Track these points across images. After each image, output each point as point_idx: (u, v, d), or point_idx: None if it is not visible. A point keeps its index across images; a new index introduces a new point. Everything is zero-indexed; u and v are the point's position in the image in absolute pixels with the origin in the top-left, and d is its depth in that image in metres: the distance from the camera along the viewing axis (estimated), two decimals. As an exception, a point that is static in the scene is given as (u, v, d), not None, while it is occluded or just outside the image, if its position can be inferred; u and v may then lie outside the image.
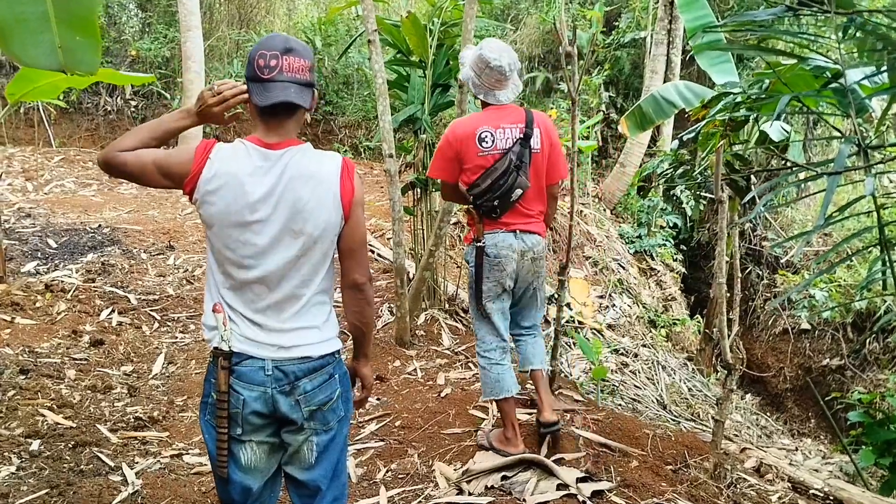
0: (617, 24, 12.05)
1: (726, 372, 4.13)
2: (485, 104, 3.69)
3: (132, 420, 4.34)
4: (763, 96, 4.21)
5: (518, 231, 3.68)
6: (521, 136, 3.57)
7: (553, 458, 3.86)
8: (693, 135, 5.17)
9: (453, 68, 5.36)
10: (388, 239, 7.84)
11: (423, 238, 5.63)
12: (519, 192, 3.57)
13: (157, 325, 5.83)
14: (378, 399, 4.61)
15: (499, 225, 3.66)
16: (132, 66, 15.36)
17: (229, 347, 2.22)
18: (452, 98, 5.59)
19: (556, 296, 4.63)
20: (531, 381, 4.10)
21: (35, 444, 3.92)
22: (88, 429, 4.18)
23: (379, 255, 7.33)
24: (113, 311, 5.95)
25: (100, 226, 8.61)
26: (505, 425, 3.87)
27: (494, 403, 3.99)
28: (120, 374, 4.92)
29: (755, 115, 4.60)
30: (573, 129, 4.49)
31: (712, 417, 4.34)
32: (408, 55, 5.54)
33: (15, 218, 8.88)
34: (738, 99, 4.38)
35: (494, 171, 3.52)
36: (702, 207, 11.05)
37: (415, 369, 4.99)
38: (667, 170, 6.45)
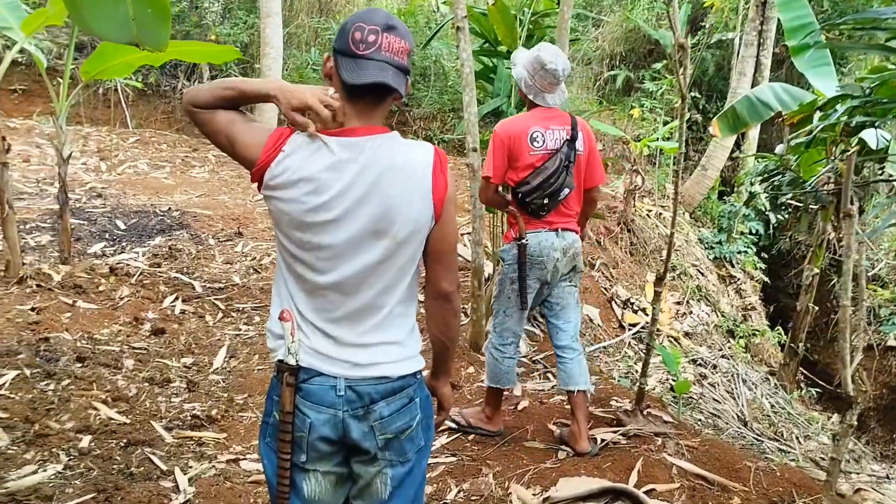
0: (703, 24, 11.40)
1: (846, 405, 3.60)
2: (532, 105, 3.69)
3: (189, 418, 4.01)
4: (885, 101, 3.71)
5: (560, 230, 3.70)
6: (568, 137, 3.60)
7: (644, 488, 3.42)
8: (808, 140, 4.64)
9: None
10: (463, 235, 7.42)
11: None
12: (567, 191, 3.62)
13: (220, 315, 5.52)
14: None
15: (542, 224, 3.67)
16: (210, 51, 15.28)
17: (297, 361, 1.91)
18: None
19: (651, 307, 4.16)
20: (568, 402, 3.95)
21: (85, 441, 3.62)
22: (142, 425, 3.87)
23: (452, 251, 6.93)
24: (177, 298, 5.66)
25: (169, 209, 8.40)
26: (489, 405, 3.96)
27: (488, 387, 3.97)
28: (179, 367, 4.61)
29: (875, 120, 4.06)
30: (681, 129, 3.99)
31: (829, 456, 3.82)
32: (495, 45, 5.12)
33: (86, 198, 8.74)
34: (856, 103, 3.88)
35: (545, 169, 3.55)
36: (786, 215, 10.38)
37: (490, 379, 4.54)
38: (771, 175, 5.88)
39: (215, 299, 5.77)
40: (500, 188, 3.73)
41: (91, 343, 4.74)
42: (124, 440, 3.67)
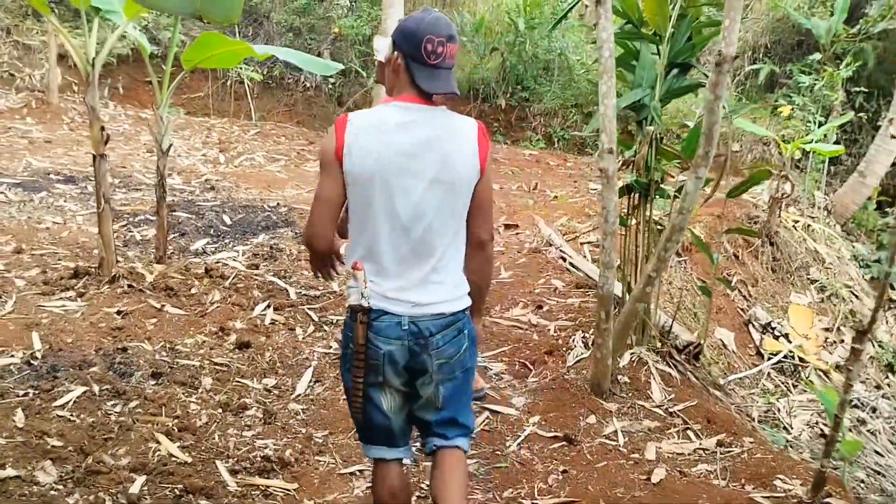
0: (865, 11, 10.01)
1: None
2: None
3: (258, 459, 3.39)
4: None
5: None
6: None
7: None
8: None
9: (697, 44, 4.03)
10: (582, 244, 6.59)
11: (637, 257, 4.37)
12: None
13: (312, 328, 4.92)
14: (564, 471, 3.40)
15: None
16: (333, 42, 14.96)
17: (368, 304, 2.25)
18: (692, 81, 4.25)
19: (846, 370, 3.21)
20: None
21: (137, 484, 3.06)
22: (205, 466, 3.28)
23: (571, 263, 6.11)
24: (269, 305, 5.12)
25: (278, 204, 7.95)
26: None
27: None
28: (259, 389, 4.03)
29: None
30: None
31: None
32: (639, 26, 4.29)
33: (199, 190, 8.42)
34: None
35: None
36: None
37: (615, 432, 3.66)
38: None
39: (309, 308, 5.20)
40: None
41: (171, 355, 4.24)
42: (180, 485, 3.09)
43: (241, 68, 13.78)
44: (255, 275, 5.71)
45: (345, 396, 2.51)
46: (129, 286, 5.10)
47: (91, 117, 5.22)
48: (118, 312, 4.71)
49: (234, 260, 6.09)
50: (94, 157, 5.24)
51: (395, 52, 2.26)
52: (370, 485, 2.68)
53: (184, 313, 4.86)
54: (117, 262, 5.31)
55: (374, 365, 2.28)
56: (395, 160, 2.19)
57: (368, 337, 2.25)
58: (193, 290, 5.17)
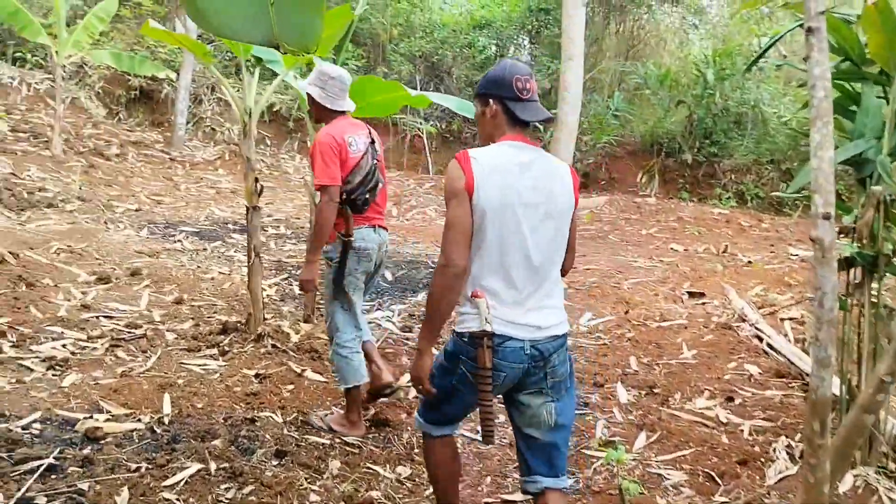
0: None
1: None
2: (333, 114, 3.87)
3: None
4: None
5: (377, 226, 3.90)
6: (370, 140, 3.88)
7: None
8: None
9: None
10: (782, 320, 5.54)
11: (861, 349, 3.37)
12: (380, 185, 3.88)
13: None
14: None
15: (363, 220, 3.83)
16: (514, 97, 14.63)
17: (492, 329, 2.32)
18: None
19: None
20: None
21: None
22: (311, 580, 2.74)
23: (769, 345, 5.09)
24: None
25: (443, 260, 7.49)
26: (351, 410, 3.87)
27: (346, 391, 3.86)
28: (391, 480, 3.44)
29: None
30: None
31: None
32: (860, 64, 3.42)
33: (366, 243, 8.15)
34: None
35: (362, 168, 3.76)
36: None
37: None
38: None
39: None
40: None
41: (300, 431, 3.77)
42: None
43: (418, 122, 13.72)
44: (407, 339, 5.22)
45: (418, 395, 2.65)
46: (273, 346, 4.76)
47: (245, 168, 5.01)
48: (256, 375, 4.34)
49: (388, 320, 5.64)
50: (248, 208, 5.00)
51: (490, 102, 2.47)
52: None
53: (323, 380, 4.42)
54: (265, 319, 5.00)
55: (495, 387, 2.40)
56: (519, 197, 2.36)
57: (494, 362, 2.34)
58: (338, 353, 4.74)
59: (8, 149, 9.78)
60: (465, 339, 2.38)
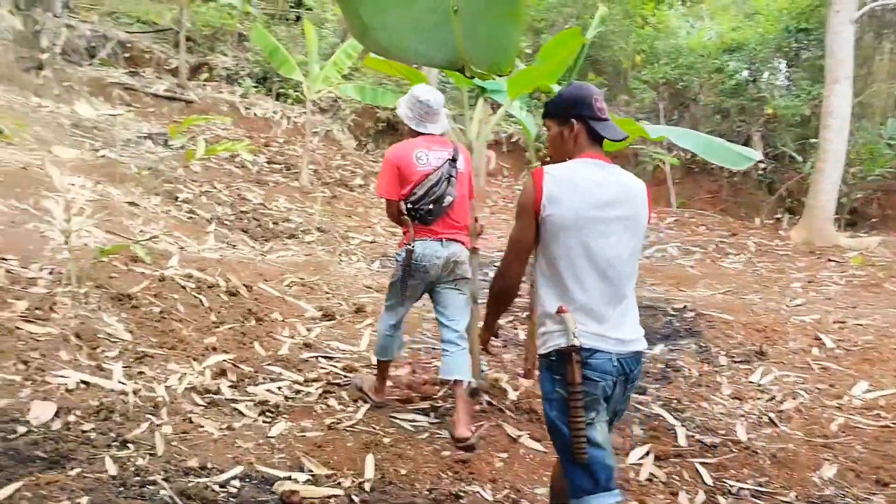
0: None
1: None
2: (416, 133, 4.02)
3: None
4: None
5: (444, 239, 3.97)
6: (450, 157, 3.96)
7: None
8: None
9: None
10: None
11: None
12: (450, 199, 3.92)
13: (701, 496, 3.53)
14: None
15: (428, 232, 3.94)
16: (765, 125, 13.27)
17: (580, 344, 2.31)
18: None
19: None
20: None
21: None
22: None
23: None
24: (648, 452, 3.87)
25: (684, 307, 6.64)
26: (381, 379, 4.28)
27: (379, 361, 4.25)
28: None
29: None
30: None
31: None
32: None
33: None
34: None
35: (429, 181, 3.87)
36: None
37: None
38: None
39: (701, 463, 3.83)
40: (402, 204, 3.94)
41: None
42: None
43: (661, 152, 12.82)
44: (639, 403, 4.52)
45: (562, 455, 2.47)
46: (489, 403, 4.30)
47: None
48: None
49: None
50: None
51: (573, 122, 2.48)
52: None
53: (542, 449, 3.87)
54: (482, 371, 4.56)
55: (593, 400, 2.34)
56: (594, 212, 2.38)
57: (585, 375, 2.31)
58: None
59: (263, 179, 10.36)
60: (553, 358, 2.39)
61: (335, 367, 4.82)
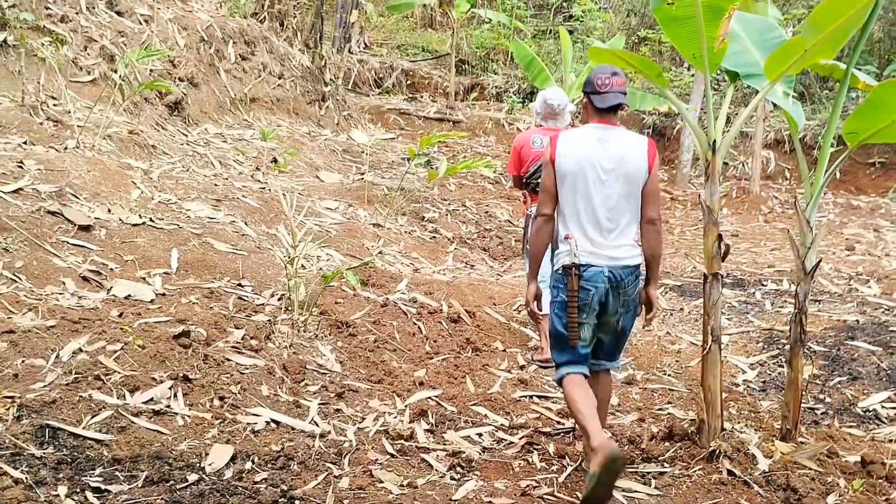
0: None
1: None
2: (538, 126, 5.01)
3: None
4: None
5: None
6: None
7: None
8: None
9: None
10: None
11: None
12: None
13: None
14: None
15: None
16: None
17: (579, 261, 3.09)
18: None
19: None
20: None
21: None
22: None
23: None
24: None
25: None
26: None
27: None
28: None
29: None
30: None
31: None
32: None
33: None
34: None
35: (540, 161, 4.50)
36: None
37: None
38: None
39: None
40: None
41: None
42: None
43: None
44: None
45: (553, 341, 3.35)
46: (730, 472, 3.30)
47: (706, 221, 3.65)
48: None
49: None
50: (705, 276, 3.63)
51: (585, 97, 3.25)
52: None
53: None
54: (723, 428, 3.55)
55: (585, 305, 3.12)
56: (594, 162, 3.12)
57: (580, 284, 3.08)
58: (814, 494, 3.06)
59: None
60: (560, 272, 3.18)
61: (549, 409, 4.11)
